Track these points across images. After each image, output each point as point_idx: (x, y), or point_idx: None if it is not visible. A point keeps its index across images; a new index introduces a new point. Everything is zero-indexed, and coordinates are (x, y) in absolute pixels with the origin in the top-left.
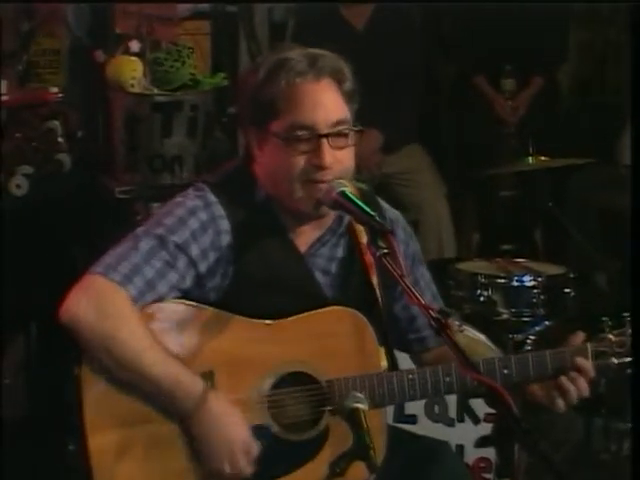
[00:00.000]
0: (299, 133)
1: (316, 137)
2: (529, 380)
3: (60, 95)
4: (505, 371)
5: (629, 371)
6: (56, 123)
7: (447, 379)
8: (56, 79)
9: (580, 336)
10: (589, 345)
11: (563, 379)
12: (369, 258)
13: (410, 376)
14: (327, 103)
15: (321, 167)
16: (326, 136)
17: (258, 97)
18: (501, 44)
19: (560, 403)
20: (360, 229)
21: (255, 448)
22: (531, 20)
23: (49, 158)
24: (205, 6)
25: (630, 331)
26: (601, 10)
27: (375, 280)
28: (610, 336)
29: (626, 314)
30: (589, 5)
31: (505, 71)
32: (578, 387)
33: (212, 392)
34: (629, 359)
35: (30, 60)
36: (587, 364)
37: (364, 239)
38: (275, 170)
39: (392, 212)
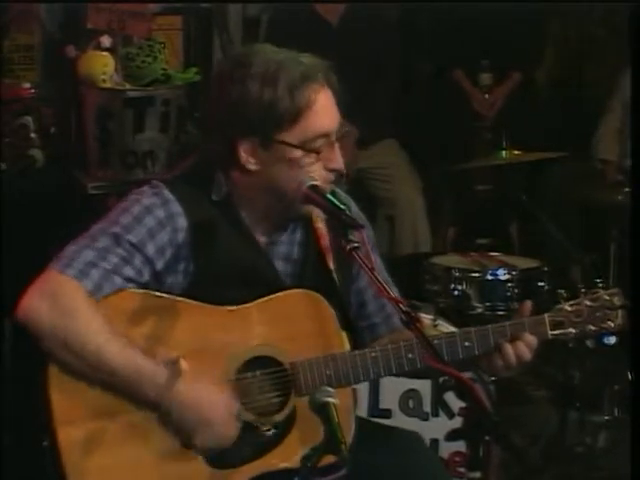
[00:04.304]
0: (318, 142)
1: (330, 143)
2: (490, 352)
3: (33, 91)
4: (466, 344)
5: (589, 343)
6: (29, 119)
7: (410, 355)
8: (30, 75)
9: (528, 305)
10: (546, 315)
11: (503, 344)
12: (325, 242)
13: (373, 354)
14: (334, 108)
15: (338, 170)
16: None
17: (256, 106)
18: (479, 39)
19: (500, 365)
20: (315, 213)
21: (235, 406)
22: (507, 15)
23: (22, 154)
24: None
25: (586, 302)
26: (577, 6)
27: (332, 265)
28: (566, 307)
29: (581, 285)
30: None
31: (483, 66)
32: (517, 351)
33: (177, 377)
34: (591, 328)
35: (4, 56)
36: (527, 335)
37: (319, 223)
38: (282, 180)
39: (345, 198)
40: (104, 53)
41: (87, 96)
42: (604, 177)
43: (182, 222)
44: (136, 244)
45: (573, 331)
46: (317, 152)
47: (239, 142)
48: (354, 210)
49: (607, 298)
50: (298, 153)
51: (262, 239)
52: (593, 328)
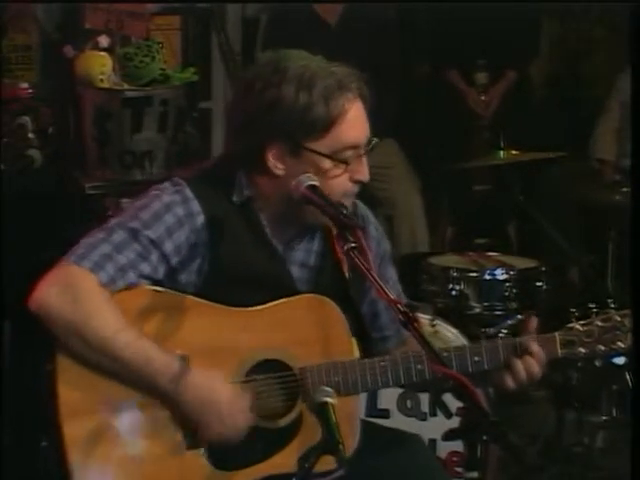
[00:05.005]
0: (348, 153)
1: (358, 155)
2: (499, 367)
3: (31, 91)
4: (476, 358)
5: (597, 363)
6: (27, 119)
7: (419, 366)
8: (28, 75)
9: (534, 321)
10: (557, 334)
11: (513, 359)
12: (341, 251)
13: (382, 363)
14: (365, 122)
15: (362, 182)
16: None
17: (290, 110)
18: (474, 38)
19: (509, 381)
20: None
21: (246, 399)
22: (503, 14)
23: (20, 154)
24: None
25: (598, 322)
26: (573, 5)
27: (347, 274)
28: (577, 326)
29: (592, 305)
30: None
31: (478, 65)
32: (527, 366)
33: (188, 366)
34: (601, 348)
35: (2, 56)
36: (536, 347)
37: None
38: None
39: (364, 209)
40: (102, 53)
41: (85, 96)
42: (601, 177)
43: (201, 221)
44: (154, 240)
45: (583, 351)
46: (346, 163)
47: (268, 146)
48: (372, 221)
49: (618, 319)
50: (327, 163)
51: (280, 244)
52: (603, 348)
